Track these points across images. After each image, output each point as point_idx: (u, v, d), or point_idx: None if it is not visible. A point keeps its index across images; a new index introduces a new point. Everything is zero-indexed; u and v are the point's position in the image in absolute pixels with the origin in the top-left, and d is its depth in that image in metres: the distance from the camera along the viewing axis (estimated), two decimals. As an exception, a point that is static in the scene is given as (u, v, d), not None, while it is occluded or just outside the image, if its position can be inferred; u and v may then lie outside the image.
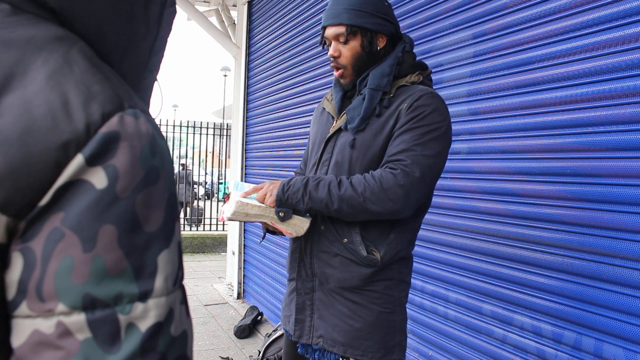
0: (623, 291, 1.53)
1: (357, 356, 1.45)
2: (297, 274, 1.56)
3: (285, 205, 1.43)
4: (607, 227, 1.59)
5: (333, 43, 1.52)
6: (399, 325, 1.50)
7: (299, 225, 1.47)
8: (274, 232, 1.55)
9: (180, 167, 10.54)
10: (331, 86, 3.51)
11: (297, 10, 4.01)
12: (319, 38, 3.61)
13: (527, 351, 1.85)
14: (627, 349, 1.51)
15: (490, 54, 2.05)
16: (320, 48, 3.61)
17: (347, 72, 1.52)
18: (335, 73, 1.54)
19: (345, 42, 1.49)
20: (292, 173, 4.17)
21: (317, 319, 1.52)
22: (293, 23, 4.08)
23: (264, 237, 1.63)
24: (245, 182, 5.28)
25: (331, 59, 1.53)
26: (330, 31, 1.51)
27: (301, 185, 1.42)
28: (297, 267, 1.57)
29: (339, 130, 1.54)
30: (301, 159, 3.85)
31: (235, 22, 5.48)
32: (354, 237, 1.45)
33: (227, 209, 1.47)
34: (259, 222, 1.49)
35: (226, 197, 1.55)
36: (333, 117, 1.61)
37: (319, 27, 3.61)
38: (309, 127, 3.75)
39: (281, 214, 1.44)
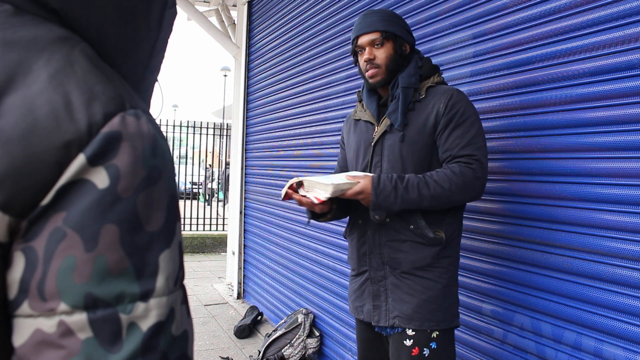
0: (623, 291, 1.53)
1: (432, 327, 1.64)
2: (368, 266, 1.74)
3: (380, 208, 1.59)
4: (607, 227, 1.58)
5: (367, 49, 1.72)
6: (456, 296, 1.73)
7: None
8: (319, 217, 1.73)
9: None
10: (331, 86, 3.51)
11: (297, 10, 4.01)
12: (319, 38, 3.62)
13: (527, 351, 1.85)
14: (627, 349, 1.51)
15: (490, 54, 2.05)
16: (320, 48, 3.61)
17: (380, 71, 1.71)
18: (370, 72, 1.72)
19: (381, 45, 1.70)
20: (292, 173, 4.15)
21: (391, 302, 1.68)
22: (293, 23, 4.08)
23: (309, 221, 1.81)
24: (245, 181, 5.27)
25: (365, 63, 1.71)
26: (365, 39, 1.72)
27: (391, 189, 1.58)
28: (367, 259, 1.74)
29: (384, 134, 1.72)
30: (302, 158, 3.85)
31: (235, 22, 5.49)
32: (419, 223, 1.64)
33: (322, 193, 1.57)
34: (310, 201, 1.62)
35: (286, 196, 1.65)
36: (372, 124, 1.78)
37: (319, 27, 3.61)
38: (309, 127, 3.75)
39: (377, 217, 1.65)
